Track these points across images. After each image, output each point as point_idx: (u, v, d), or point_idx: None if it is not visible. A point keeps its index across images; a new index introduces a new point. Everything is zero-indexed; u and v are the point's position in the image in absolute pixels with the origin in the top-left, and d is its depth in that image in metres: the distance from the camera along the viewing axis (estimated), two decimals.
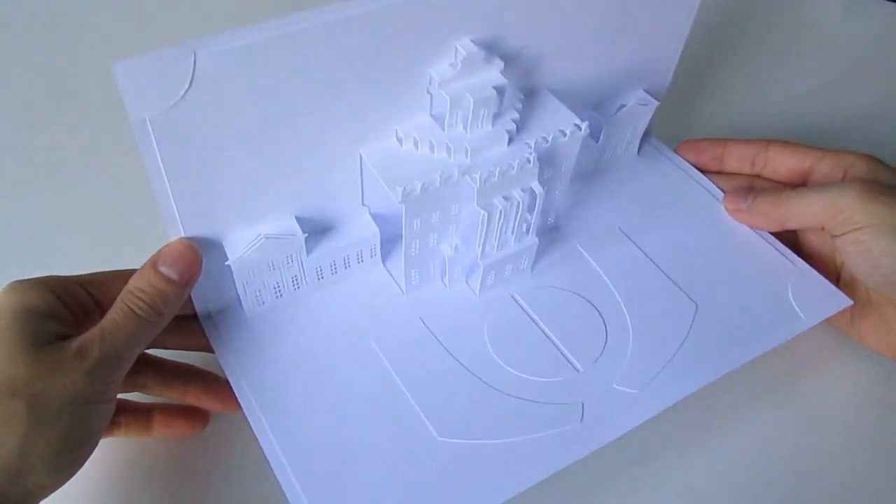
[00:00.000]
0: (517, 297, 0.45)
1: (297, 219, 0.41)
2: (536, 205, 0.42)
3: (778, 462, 0.43)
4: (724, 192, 0.49)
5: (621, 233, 0.47)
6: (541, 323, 0.43)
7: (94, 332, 0.35)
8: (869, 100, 0.56)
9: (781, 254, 0.46)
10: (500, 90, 0.39)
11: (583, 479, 0.42)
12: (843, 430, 0.44)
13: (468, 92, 0.39)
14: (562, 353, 0.42)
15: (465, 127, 0.40)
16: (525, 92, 0.43)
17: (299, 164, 0.39)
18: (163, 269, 0.37)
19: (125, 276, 0.37)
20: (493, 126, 0.41)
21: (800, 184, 0.48)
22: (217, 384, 0.42)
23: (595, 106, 0.48)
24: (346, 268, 0.45)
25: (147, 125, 0.33)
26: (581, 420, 0.39)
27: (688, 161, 0.51)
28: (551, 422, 0.39)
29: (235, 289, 0.42)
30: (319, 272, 0.44)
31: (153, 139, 0.34)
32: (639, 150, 0.52)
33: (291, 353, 0.42)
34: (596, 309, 0.44)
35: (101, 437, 0.36)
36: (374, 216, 0.44)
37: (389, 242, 0.45)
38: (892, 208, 0.41)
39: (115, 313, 0.36)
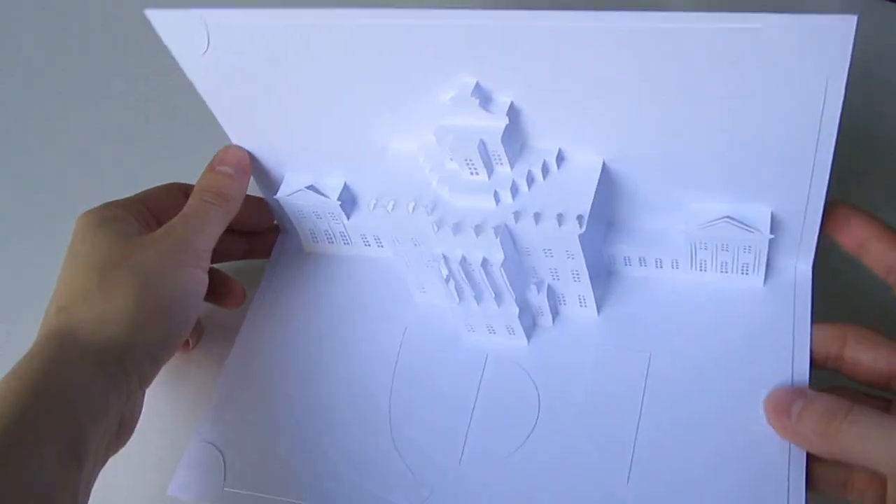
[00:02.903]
0: (489, 358, 0.43)
1: (349, 189, 0.46)
2: (500, 278, 0.39)
3: None
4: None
5: (646, 362, 0.41)
6: (480, 395, 0.42)
7: (176, 218, 0.44)
8: (869, 100, 0.54)
9: (787, 480, 0.36)
10: (487, 143, 0.37)
11: None
12: None
13: (453, 132, 0.37)
14: (466, 434, 0.41)
15: (462, 170, 0.39)
16: (569, 154, 0.39)
17: (336, 120, 0.42)
18: (219, 168, 0.45)
19: (175, 187, 0.46)
20: (489, 178, 0.38)
21: (883, 387, 0.37)
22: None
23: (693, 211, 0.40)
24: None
25: (191, 68, 0.41)
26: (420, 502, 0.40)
27: None
28: (398, 488, 0.40)
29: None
30: (365, 239, 0.47)
31: (196, 79, 0.41)
32: (769, 276, 0.42)
33: (302, 304, 0.47)
34: (535, 422, 0.41)
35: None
36: None
37: None
38: None
39: (188, 206, 0.44)
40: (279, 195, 0.46)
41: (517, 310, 0.41)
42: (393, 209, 0.40)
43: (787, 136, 0.35)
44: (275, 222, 0.51)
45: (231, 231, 0.49)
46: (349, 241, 0.48)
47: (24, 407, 0.36)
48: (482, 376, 0.43)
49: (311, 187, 0.45)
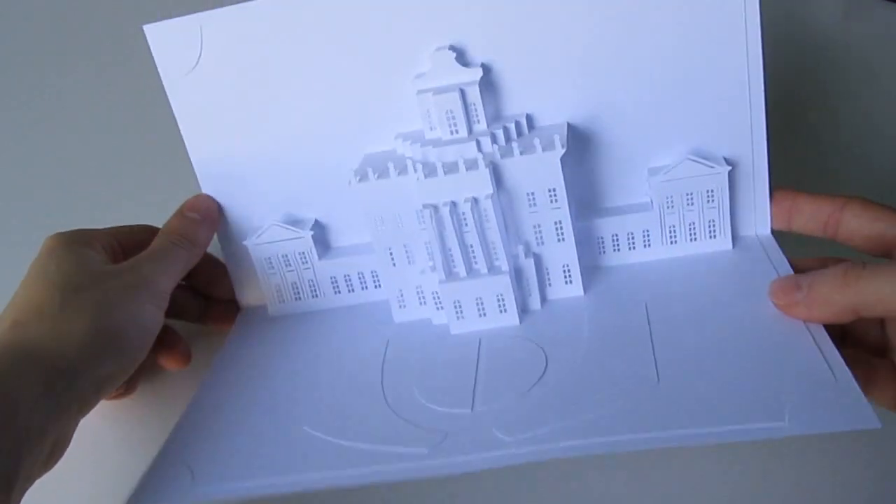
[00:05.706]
0: (483, 341, 0.42)
1: (320, 224, 0.46)
2: (490, 219, 0.40)
3: None
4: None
5: (643, 307, 0.41)
6: (481, 363, 0.40)
7: (141, 255, 0.43)
8: (868, 100, 0.55)
9: (821, 354, 0.35)
10: (466, 93, 0.41)
11: None
12: None
13: (434, 91, 0.41)
14: (473, 390, 0.39)
15: (442, 132, 0.42)
16: (538, 122, 0.43)
17: (307, 152, 0.45)
18: (188, 214, 0.45)
19: (148, 229, 0.46)
20: (469, 134, 0.42)
21: (881, 256, 0.37)
22: None
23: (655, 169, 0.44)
24: (363, 288, 0.47)
25: (174, 88, 0.44)
26: (433, 446, 0.36)
27: None
28: (407, 441, 0.36)
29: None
30: (335, 284, 0.47)
31: (178, 101, 0.44)
32: (735, 242, 0.44)
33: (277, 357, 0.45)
34: (546, 364, 0.39)
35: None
36: None
37: None
38: None
39: (155, 244, 0.44)
40: (248, 241, 0.46)
41: (508, 268, 0.41)
42: (378, 178, 0.41)
43: (718, 65, 0.41)
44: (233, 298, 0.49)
45: (188, 289, 0.48)
46: (318, 293, 0.47)
47: None
48: (479, 351, 0.41)
49: (281, 223, 0.46)
